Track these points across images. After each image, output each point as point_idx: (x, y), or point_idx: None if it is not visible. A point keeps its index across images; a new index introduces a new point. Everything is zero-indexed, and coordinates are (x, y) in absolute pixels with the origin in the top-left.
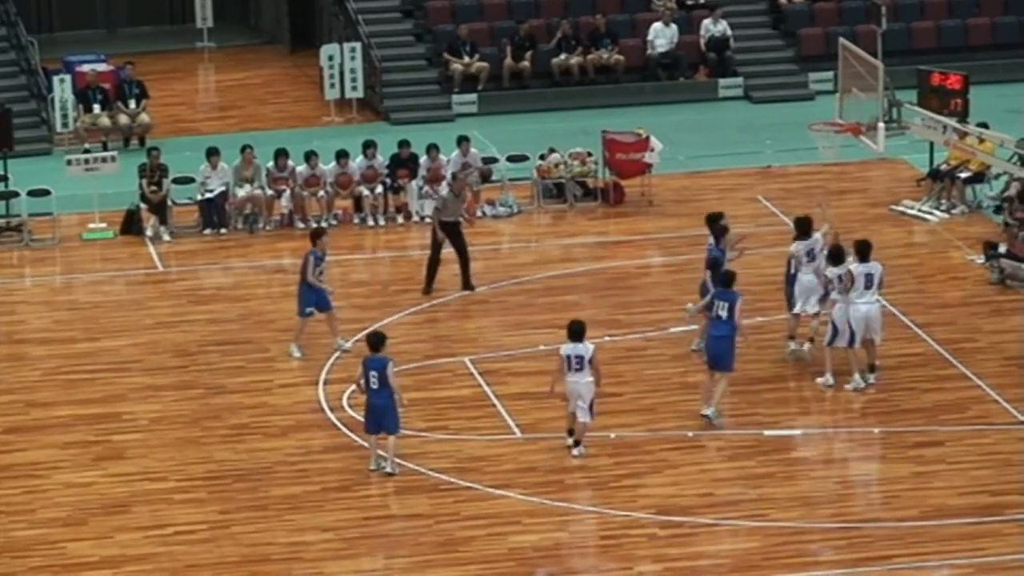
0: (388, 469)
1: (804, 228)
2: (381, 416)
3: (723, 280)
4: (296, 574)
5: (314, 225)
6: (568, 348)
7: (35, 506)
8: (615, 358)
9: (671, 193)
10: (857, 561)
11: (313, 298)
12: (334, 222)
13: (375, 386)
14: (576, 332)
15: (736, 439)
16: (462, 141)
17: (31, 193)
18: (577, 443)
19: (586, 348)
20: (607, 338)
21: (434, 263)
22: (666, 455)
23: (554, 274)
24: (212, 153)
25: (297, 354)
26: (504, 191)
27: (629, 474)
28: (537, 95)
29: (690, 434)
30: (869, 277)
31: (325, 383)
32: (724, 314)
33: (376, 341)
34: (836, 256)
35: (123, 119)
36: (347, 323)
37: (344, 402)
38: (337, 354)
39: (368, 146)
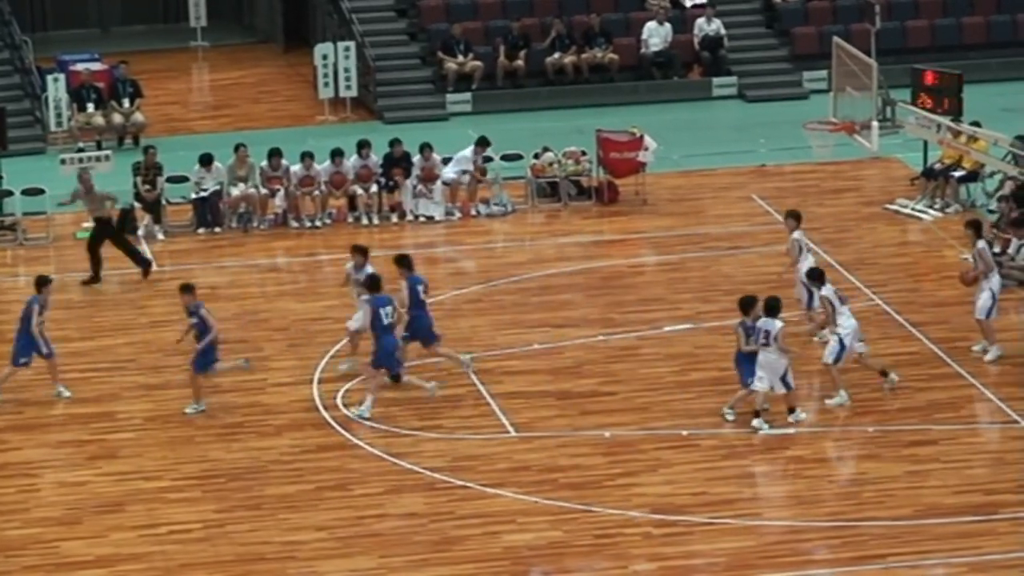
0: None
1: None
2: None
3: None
4: (291, 573)
5: (42, 276)
6: (761, 322)
7: (29, 505)
8: (609, 357)
9: (665, 192)
10: (852, 560)
11: (30, 348)
12: (328, 221)
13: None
14: (770, 308)
15: (731, 438)
16: (482, 142)
17: (25, 192)
18: (792, 410)
19: (773, 324)
20: (600, 337)
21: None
22: (660, 454)
23: (548, 273)
24: (206, 161)
25: (67, 394)
26: (498, 190)
27: (623, 473)
28: (531, 94)
29: (684, 433)
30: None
31: (319, 382)
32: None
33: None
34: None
35: (117, 118)
36: (342, 322)
37: (338, 400)
38: (331, 353)
39: (362, 145)
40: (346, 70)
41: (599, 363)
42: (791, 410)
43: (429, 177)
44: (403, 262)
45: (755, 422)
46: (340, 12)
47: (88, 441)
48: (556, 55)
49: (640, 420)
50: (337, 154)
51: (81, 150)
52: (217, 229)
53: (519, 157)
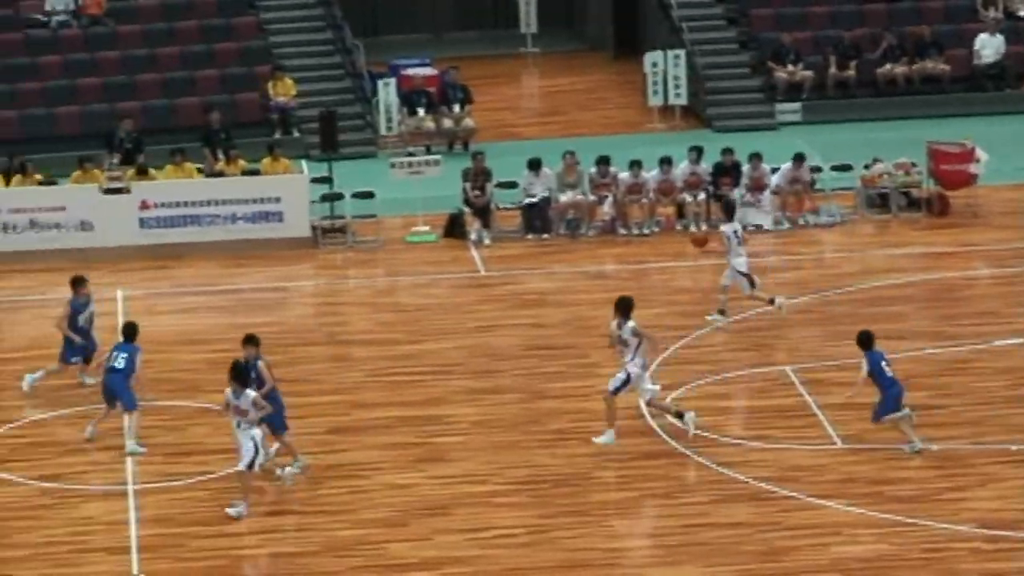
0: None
1: None
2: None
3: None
4: None
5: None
6: None
7: (357, 506)
8: (939, 370)
9: (998, 205)
10: None
11: (80, 348)
12: (656, 229)
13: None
14: None
15: None
16: (798, 158)
17: (355, 195)
18: None
19: None
20: (930, 350)
21: None
22: (991, 468)
23: (878, 284)
24: (534, 166)
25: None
26: (828, 200)
27: (953, 487)
28: (862, 104)
29: (1013, 448)
30: None
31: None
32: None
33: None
34: None
35: (447, 123)
36: (674, 330)
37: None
38: (657, 360)
39: (693, 151)
40: (676, 78)
41: (929, 376)
42: None
43: (758, 186)
44: (252, 340)
45: None
46: (670, 20)
47: (416, 444)
48: (888, 65)
49: (970, 434)
50: (665, 162)
51: (411, 154)
52: (545, 235)
53: (848, 168)
